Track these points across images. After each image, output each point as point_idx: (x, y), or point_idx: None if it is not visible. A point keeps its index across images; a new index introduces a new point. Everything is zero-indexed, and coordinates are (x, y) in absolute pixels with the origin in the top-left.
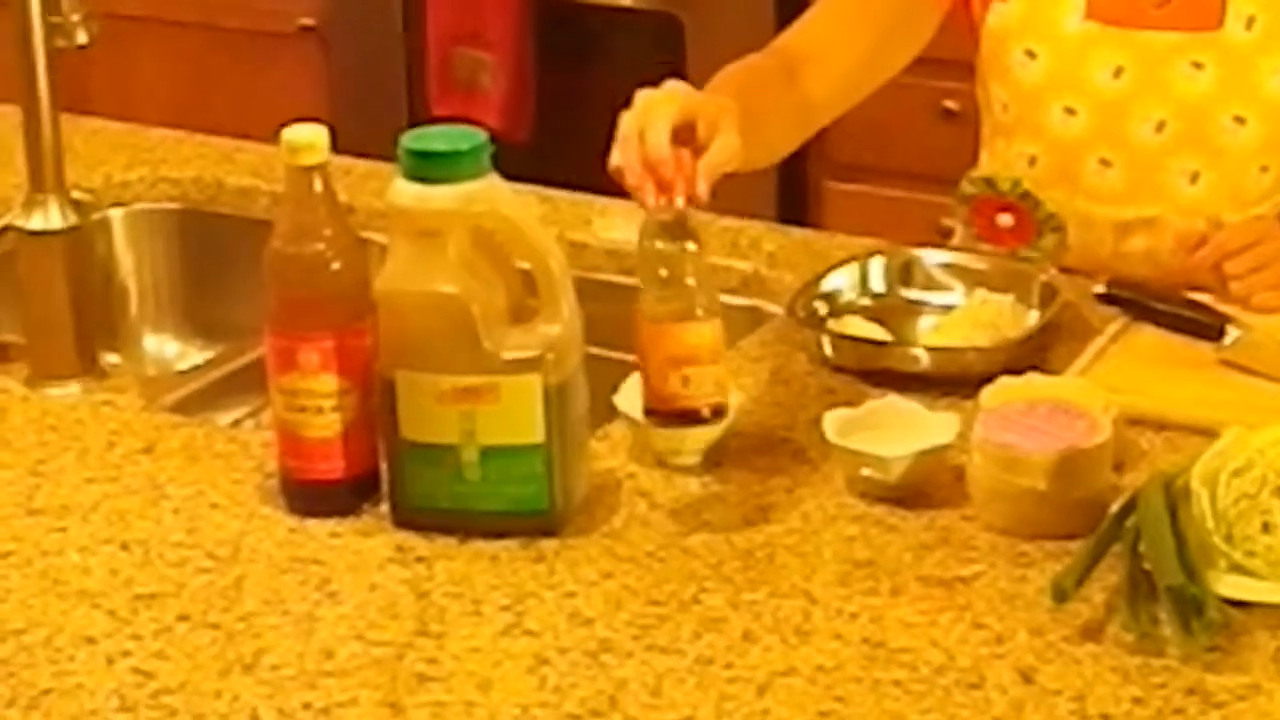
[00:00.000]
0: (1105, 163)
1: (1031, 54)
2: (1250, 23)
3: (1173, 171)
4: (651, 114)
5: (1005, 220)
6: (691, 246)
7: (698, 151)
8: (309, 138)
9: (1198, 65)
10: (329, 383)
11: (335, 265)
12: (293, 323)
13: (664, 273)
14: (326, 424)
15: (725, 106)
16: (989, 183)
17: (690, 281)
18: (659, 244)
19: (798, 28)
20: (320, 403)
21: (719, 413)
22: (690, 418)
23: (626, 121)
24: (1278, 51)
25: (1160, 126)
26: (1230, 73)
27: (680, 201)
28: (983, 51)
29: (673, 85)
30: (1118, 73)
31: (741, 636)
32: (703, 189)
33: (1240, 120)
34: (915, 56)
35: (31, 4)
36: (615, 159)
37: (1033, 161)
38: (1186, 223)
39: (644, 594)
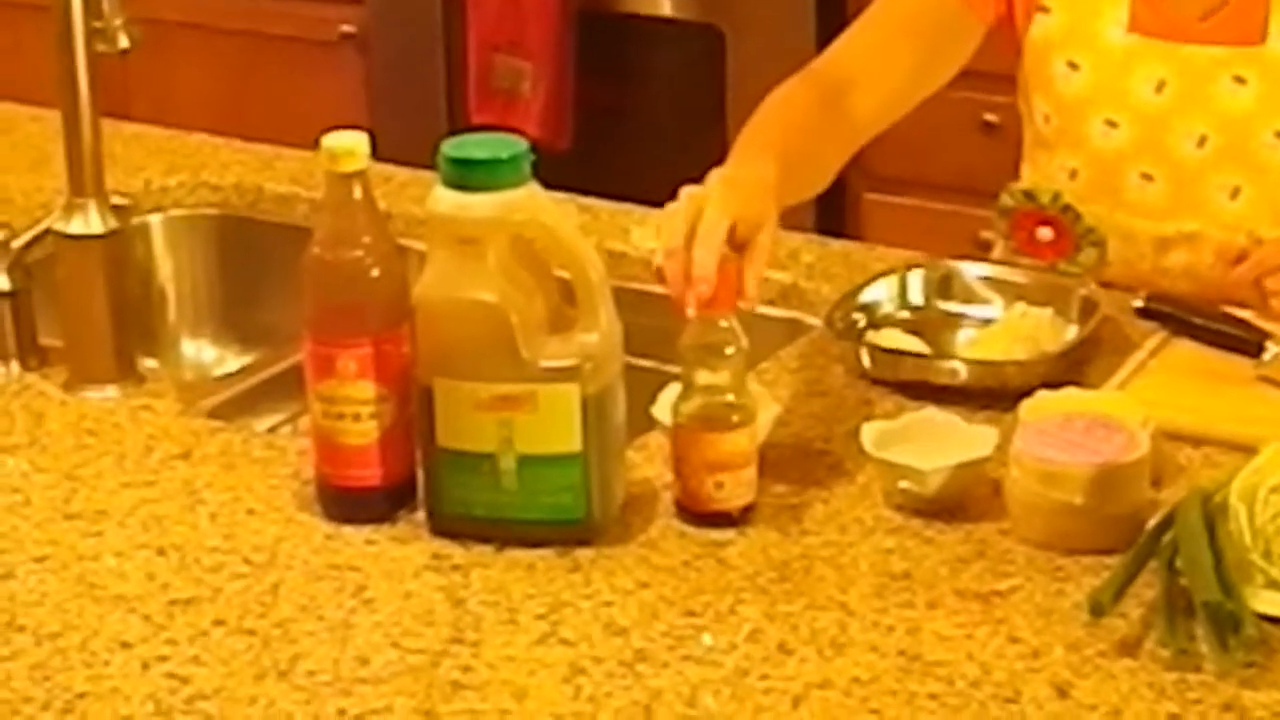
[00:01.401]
0: (1146, 177)
1: (1074, 65)
2: None
3: (1213, 186)
4: (704, 230)
5: (1045, 234)
6: (730, 351)
7: (737, 246)
8: (350, 144)
9: (1240, 80)
10: (367, 389)
11: (374, 272)
12: (331, 329)
13: (703, 379)
14: (364, 431)
15: (767, 209)
16: (1029, 195)
17: (730, 396)
18: (700, 351)
19: (839, 48)
20: (358, 409)
21: (748, 510)
22: (721, 519)
23: (674, 226)
24: None
25: (1202, 141)
26: (1273, 88)
27: (724, 323)
28: (1025, 63)
29: (720, 189)
30: (1160, 86)
31: (777, 648)
32: (752, 294)
33: None
34: (959, 70)
35: (74, 8)
36: (659, 260)
37: (1074, 174)
38: (1226, 238)
39: (680, 604)
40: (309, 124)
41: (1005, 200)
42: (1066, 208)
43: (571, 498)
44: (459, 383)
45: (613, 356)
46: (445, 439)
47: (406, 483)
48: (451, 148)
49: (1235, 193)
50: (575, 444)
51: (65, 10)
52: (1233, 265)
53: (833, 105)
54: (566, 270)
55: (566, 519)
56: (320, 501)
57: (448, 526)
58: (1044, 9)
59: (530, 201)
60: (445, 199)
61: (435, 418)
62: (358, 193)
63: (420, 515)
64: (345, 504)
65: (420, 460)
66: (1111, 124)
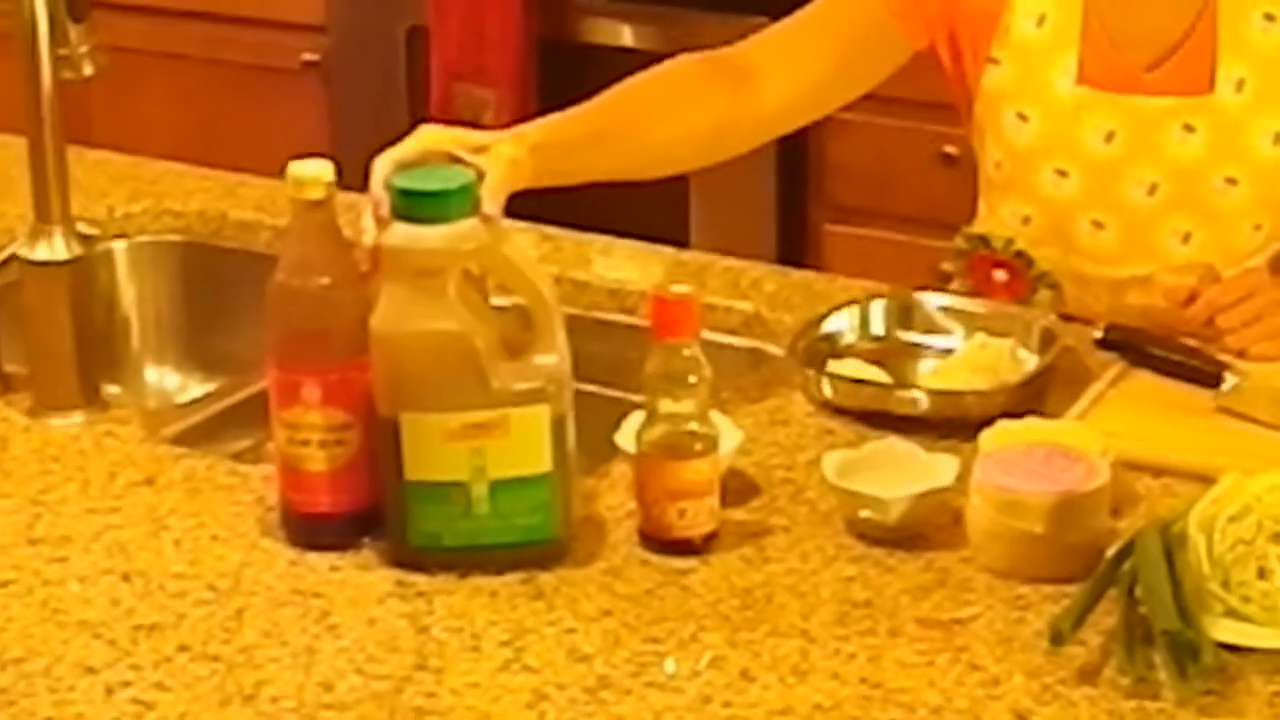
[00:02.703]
0: (1098, 224)
1: (1023, 117)
2: (1240, 85)
3: (1165, 232)
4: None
5: (1000, 276)
6: (693, 379)
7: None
8: (315, 172)
9: (1189, 129)
10: (331, 417)
11: (339, 300)
12: (295, 357)
13: (666, 408)
14: (328, 458)
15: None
16: (983, 240)
17: (693, 425)
18: (664, 380)
19: (756, 37)
20: (322, 436)
21: (711, 538)
22: (684, 547)
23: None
24: (1268, 112)
25: (1152, 189)
26: (1222, 136)
27: (687, 351)
28: (976, 110)
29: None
30: (1109, 137)
31: (740, 675)
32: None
33: (1232, 181)
34: (877, 84)
35: (40, 36)
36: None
37: (1026, 221)
38: (1180, 281)
39: (642, 631)
40: (272, 152)
41: (960, 243)
42: (1019, 254)
43: (543, 517)
44: (426, 415)
45: (569, 376)
46: (414, 472)
47: (371, 509)
48: (401, 180)
49: (1187, 238)
50: (546, 464)
51: (31, 37)
52: (1184, 306)
53: (730, 86)
54: (521, 295)
55: (538, 539)
56: (284, 528)
57: (415, 558)
58: (994, 60)
59: (480, 231)
60: (397, 232)
61: (403, 451)
62: (323, 220)
63: (385, 542)
64: (309, 530)
65: (386, 494)
66: (1062, 173)
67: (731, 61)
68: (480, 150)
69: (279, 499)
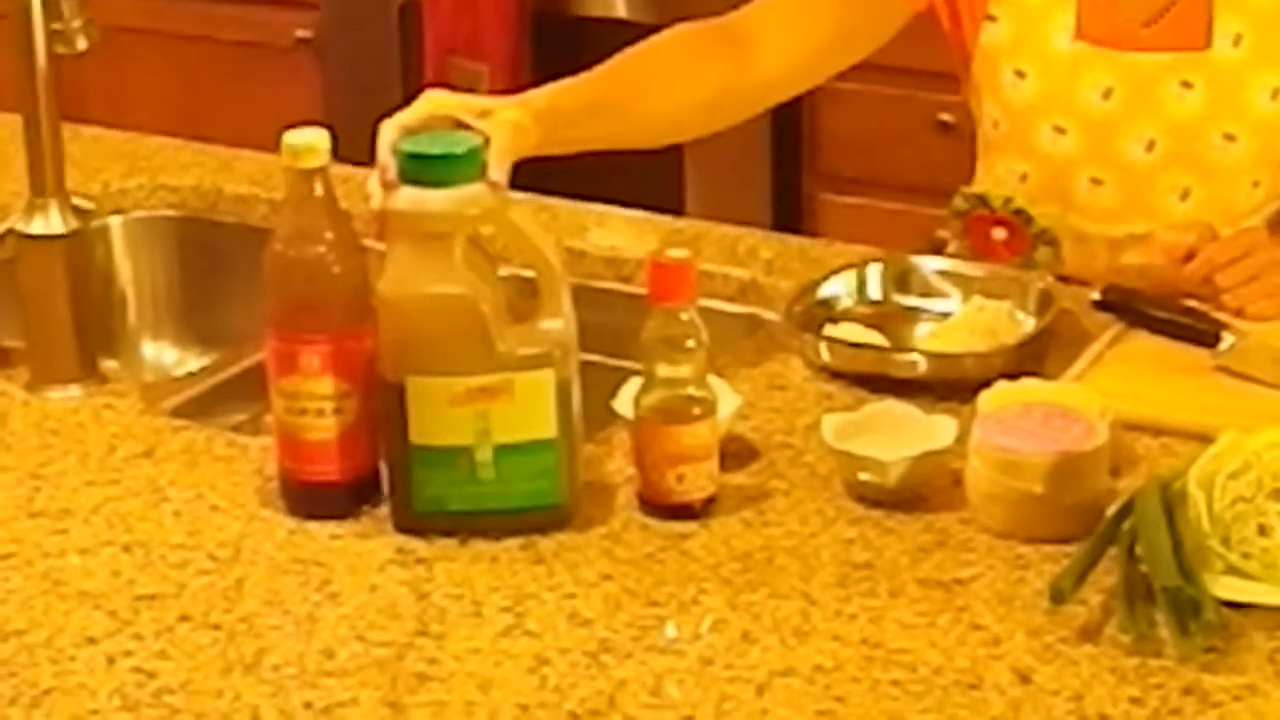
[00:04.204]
0: (1096, 181)
1: (1021, 74)
2: (1238, 40)
3: (1163, 189)
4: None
5: (999, 234)
6: (691, 344)
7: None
8: (310, 141)
9: (1187, 85)
10: (329, 385)
11: (336, 269)
12: (293, 326)
13: (664, 373)
14: (326, 426)
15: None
16: (981, 199)
17: (691, 389)
18: (661, 344)
19: (754, 6)
20: (320, 405)
21: (710, 502)
22: (683, 512)
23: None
24: (1265, 68)
25: (1150, 146)
26: (1219, 92)
27: (684, 315)
28: (974, 69)
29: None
30: (1107, 94)
31: (741, 637)
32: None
33: (1230, 138)
34: (875, 49)
35: (33, 9)
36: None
37: (1024, 178)
38: (1178, 238)
39: (643, 595)
40: (265, 129)
41: (958, 203)
42: (1019, 211)
43: (548, 482)
44: (432, 379)
45: (575, 342)
46: (419, 436)
47: (370, 477)
48: (408, 144)
49: (1185, 194)
50: (551, 429)
51: (25, 12)
52: (1183, 263)
53: (728, 52)
54: (528, 260)
55: (543, 504)
56: (283, 497)
57: (419, 524)
58: (992, 18)
59: (487, 195)
60: (404, 196)
61: (408, 416)
62: (319, 189)
63: (385, 510)
64: (308, 499)
65: (387, 459)
66: (1060, 130)
67: (730, 29)
68: (485, 115)
69: (278, 468)
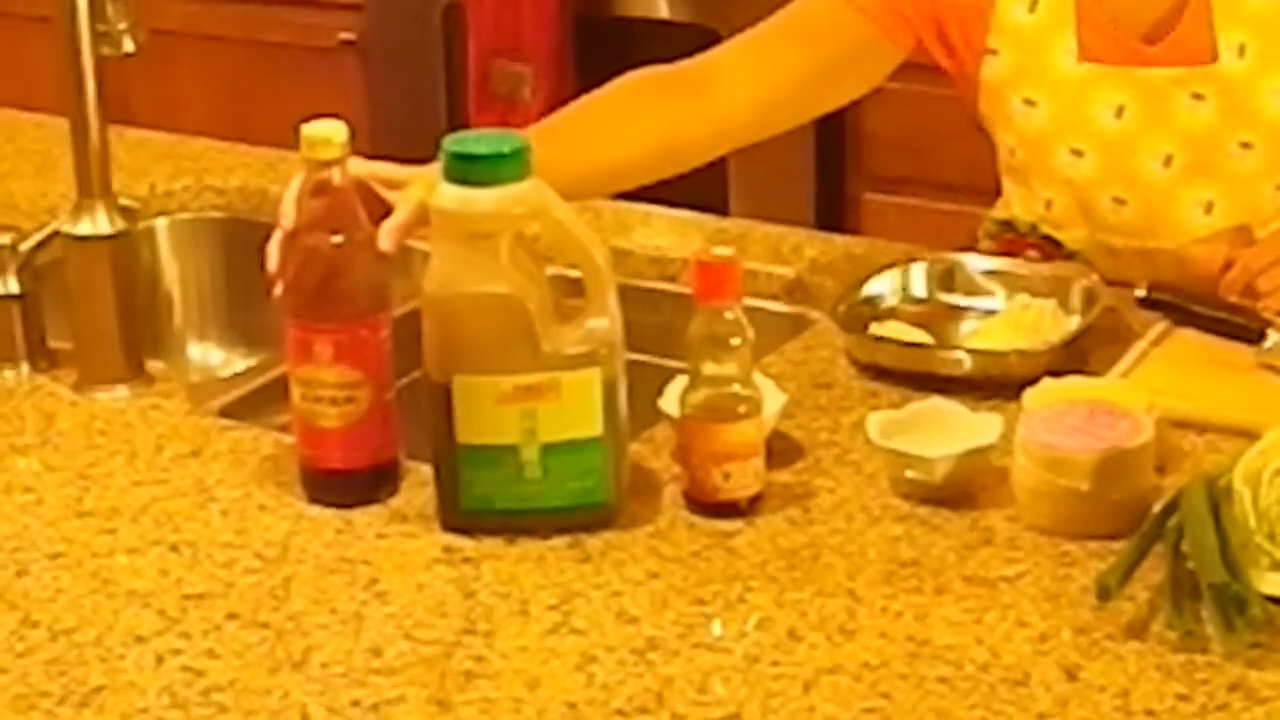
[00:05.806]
0: (1119, 201)
1: (1030, 102)
2: (1242, 50)
3: (1187, 204)
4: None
5: (1033, 256)
6: (736, 342)
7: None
8: (327, 132)
9: (1198, 97)
10: (342, 375)
11: (351, 259)
12: (309, 314)
13: (710, 370)
14: (341, 414)
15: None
16: (1008, 226)
17: (736, 387)
18: (706, 342)
19: (717, 49)
20: (334, 393)
21: (756, 500)
22: (729, 510)
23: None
24: (1273, 73)
25: (1168, 161)
26: (1230, 101)
27: (729, 313)
28: (981, 104)
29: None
30: (1119, 111)
31: (787, 634)
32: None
33: (1247, 145)
34: (867, 92)
35: (80, 11)
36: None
37: (1049, 205)
38: (1209, 250)
39: (689, 593)
40: None
41: (989, 227)
42: (1045, 237)
43: (595, 480)
44: (479, 378)
45: (621, 341)
46: (465, 435)
47: (386, 467)
48: (454, 143)
49: (1209, 207)
50: (597, 428)
51: (71, 14)
52: (1221, 273)
53: (682, 104)
54: (574, 259)
55: (590, 503)
56: (302, 484)
57: (466, 523)
58: (992, 51)
59: (534, 194)
60: (449, 195)
61: (454, 415)
62: (337, 180)
63: (431, 509)
64: (322, 486)
65: (433, 458)
66: (1077, 153)
67: (687, 74)
68: (397, 186)
69: (297, 455)
